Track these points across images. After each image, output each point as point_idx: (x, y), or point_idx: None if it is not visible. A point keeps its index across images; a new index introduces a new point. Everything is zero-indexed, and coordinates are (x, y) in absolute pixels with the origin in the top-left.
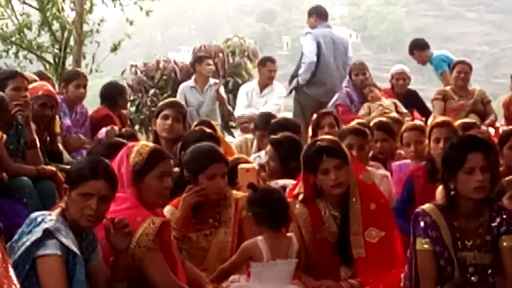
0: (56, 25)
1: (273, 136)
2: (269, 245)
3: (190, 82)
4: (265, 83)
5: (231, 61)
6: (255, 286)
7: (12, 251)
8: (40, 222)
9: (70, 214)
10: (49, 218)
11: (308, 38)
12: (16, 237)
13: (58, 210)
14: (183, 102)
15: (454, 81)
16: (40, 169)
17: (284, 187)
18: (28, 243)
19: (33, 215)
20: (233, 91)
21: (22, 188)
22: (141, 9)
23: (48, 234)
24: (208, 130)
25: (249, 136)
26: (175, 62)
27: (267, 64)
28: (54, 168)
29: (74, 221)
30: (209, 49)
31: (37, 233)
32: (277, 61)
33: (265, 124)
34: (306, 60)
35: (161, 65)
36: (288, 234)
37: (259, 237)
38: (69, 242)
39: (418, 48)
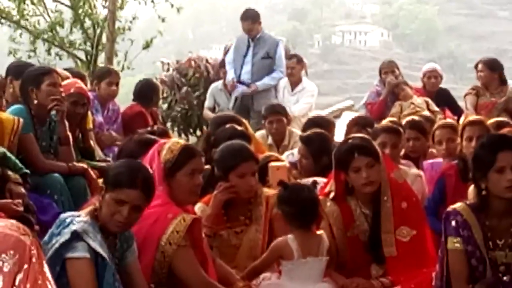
0: (88, 23)
1: (303, 134)
2: (299, 243)
3: (220, 84)
4: (297, 81)
5: None
6: (286, 284)
7: (44, 253)
8: (68, 224)
9: (101, 215)
10: (77, 220)
11: (283, 48)
12: (46, 238)
13: (89, 209)
14: (212, 103)
15: (478, 80)
16: (72, 166)
17: (315, 183)
18: (57, 245)
19: (63, 216)
20: None
21: (54, 185)
22: (172, 6)
23: (76, 236)
24: (239, 128)
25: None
26: (207, 60)
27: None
28: (85, 165)
29: (104, 222)
30: None
31: (65, 235)
32: (308, 59)
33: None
34: (281, 75)
35: (193, 62)
36: (318, 232)
37: (290, 235)
38: (97, 245)
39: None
